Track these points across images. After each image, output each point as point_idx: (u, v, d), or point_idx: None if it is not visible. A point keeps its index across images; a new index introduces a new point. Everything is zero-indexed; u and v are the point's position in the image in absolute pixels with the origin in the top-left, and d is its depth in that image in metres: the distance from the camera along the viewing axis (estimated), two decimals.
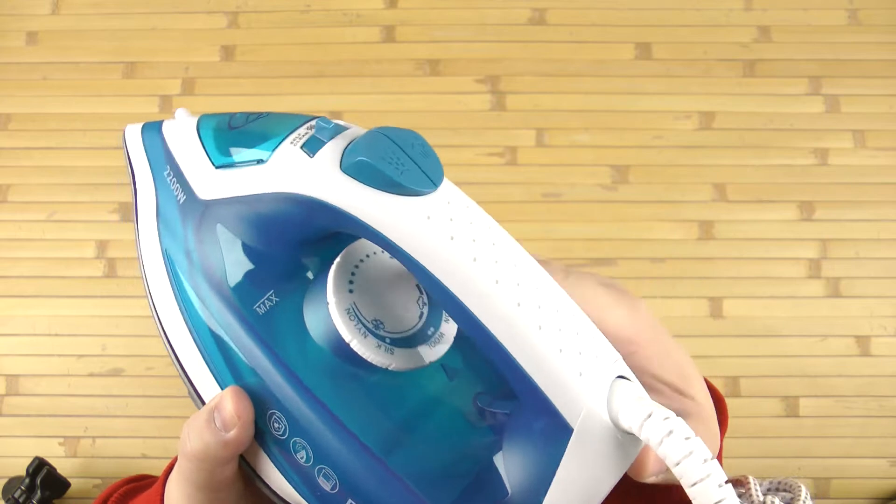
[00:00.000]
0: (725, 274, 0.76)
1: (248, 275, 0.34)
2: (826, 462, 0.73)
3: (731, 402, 0.78)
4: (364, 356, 0.32)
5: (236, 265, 0.34)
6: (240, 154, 0.33)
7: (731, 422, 0.78)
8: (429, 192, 0.30)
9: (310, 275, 0.35)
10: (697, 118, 0.80)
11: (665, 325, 0.76)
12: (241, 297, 0.33)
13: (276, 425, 0.32)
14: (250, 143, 0.33)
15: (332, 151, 0.31)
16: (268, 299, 0.34)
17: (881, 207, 0.78)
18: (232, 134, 0.34)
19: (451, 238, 0.30)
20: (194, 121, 0.36)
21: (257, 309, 0.33)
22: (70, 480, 0.71)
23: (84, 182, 0.79)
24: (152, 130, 0.37)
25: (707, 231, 0.76)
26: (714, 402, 0.36)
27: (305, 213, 0.32)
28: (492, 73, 0.81)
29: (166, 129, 0.36)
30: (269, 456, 0.33)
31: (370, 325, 0.33)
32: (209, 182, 0.34)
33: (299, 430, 0.32)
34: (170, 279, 0.35)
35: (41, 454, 0.70)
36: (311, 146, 0.31)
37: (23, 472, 0.69)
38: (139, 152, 0.37)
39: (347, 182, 0.30)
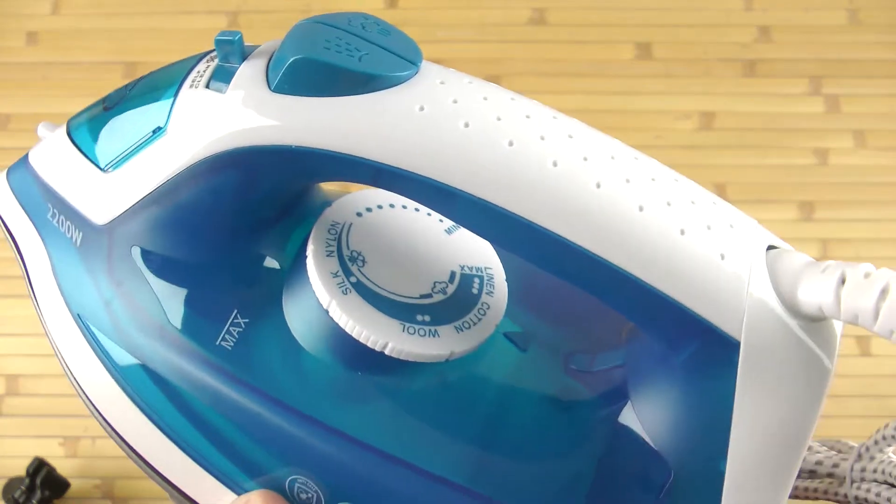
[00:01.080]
0: None
1: (194, 303, 0.24)
2: None
3: None
4: (311, 278, 0.23)
5: (174, 296, 0.24)
6: (127, 135, 0.23)
7: None
8: (409, 75, 0.21)
9: (277, 266, 0.25)
10: (697, 118, 0.80)
11: None
12: (197, 337, 0.23)
13: (303, 496, 0.23)
14: (136, 114, 0.24)
15: (251, 72, 0.22)
16: (233, 325, 0.24)
17: (881, 207, 0.78)
18: (110, 115, 0.25)
19: (466, 125, 0.20)
20: (63, 129, 0.27)
21: (223, 344, 0.23)
22: (70, 480, 0.71)
23: None
24: (18, 170, 0.27)
25: None
26: None
27: (244, 180, 0.22)
28: (492, 72, 0.81)
29: (33, 158, 0.27)
30: None
31: (346, 251, 0.24)
32: (103, 195, 0.24)
33: (341, 491, 0.22)
34: (98, 354, 0.25)
35: (41, 454, 0.70)
36: (220, 78, 0.22)
37: (23, 473, 0.69)
38: (9, 204, 0.27)
39: (287, 103, 0.21)
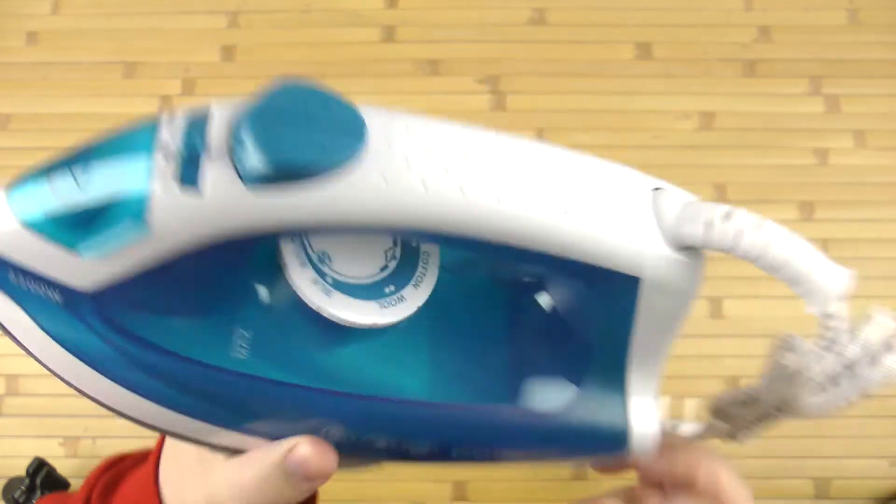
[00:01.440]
0: (725, 274, 0.76)
1: (201, 331, 0.27)
2: (826, 462, 0.73)
3: None
4: (296, 289, 0.26)
5: (180, 331, 0.27)
6: (98, 224, 0.24)
7: None
8: (364, 146, 0.23)
9: (257, 278, 0.28)
10: (697, 118, 0.80)
11: None
12: (211, 356, 0.27)
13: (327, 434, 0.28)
14: (103, 199, 0.23)
15: (221, 170, 0.23)
16: (240, 338, 0.28)
17: (881, 207, 0.78)
18: (66, 194, 0.24)
19: (424, 186, 0.24)
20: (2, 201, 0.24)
21: (238, 355, 0.27)
22: (70, 481, 0.71)
23: None
24: None
25: None
26: None
27: (228, 248, 0.24)
28: (492, 73, 0.81)
29: None
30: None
31: (314, 256, 0.27)
32: (79, 271, 0.25)
33: (350, 425, 0.28)
34: (118, 382, 0.27)
35: (41, 454, 0.70)
36: (189, 178, 0.23)
37: (23, 473, 0.69)
38: None
39: (265, 198, 0.23)
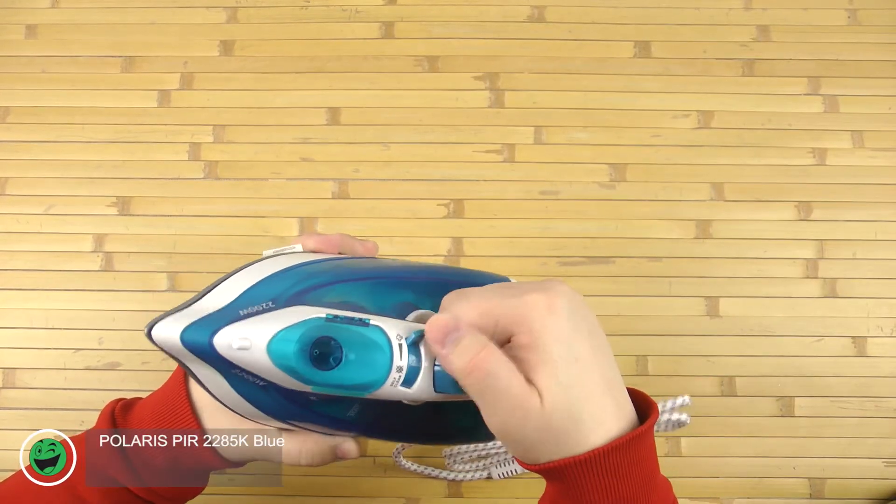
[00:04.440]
0: (722, 273, 0.76)
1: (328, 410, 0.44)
2: (821, 462, 0.73)
3: (726, 402, 0.77)
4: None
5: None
6: (333, 390, 0.39)
7: (726, 421, 0.78)
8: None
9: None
10: (696, 117, 0.80)
11: (661, 323, 0.76)
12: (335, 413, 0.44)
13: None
14: (344, 387, 0.39)
15: (425, 381, 0.40)
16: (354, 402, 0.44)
17: (879, 208, 0.78)
18: (322, 371, 0.38)
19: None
20: (263, 347, 0.38)
21: (349, 415, 0.44)
22: None
23: (82, 176, 0.79)
24: (195, 337, 0.39)
25: (704, 230, 0.76)
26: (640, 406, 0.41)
27: None
28: (490, 70, 0.81)
29: (221, 345, 0.39)
30: None
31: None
32: (297, 387, 0.39)
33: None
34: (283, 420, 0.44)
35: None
36: (407, 382, 0.40)
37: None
38: (188, 357, 0.41)
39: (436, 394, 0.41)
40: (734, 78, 0.81)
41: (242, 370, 0.39)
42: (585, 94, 0.80)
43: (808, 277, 0.76)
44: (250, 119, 0.80)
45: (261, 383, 0.40)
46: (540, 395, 0.36)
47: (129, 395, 0.52)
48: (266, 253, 0.47)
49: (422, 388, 0.39)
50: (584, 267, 0.76)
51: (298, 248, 0.48)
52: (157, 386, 0.51)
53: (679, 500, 0.42)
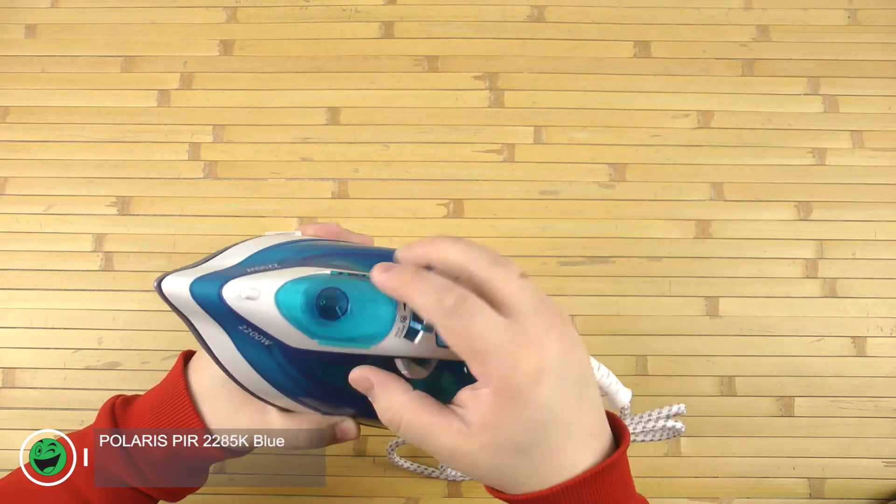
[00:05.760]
0: (722, 273, 0.76)
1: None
2: (821, 462, 0.73)
3: (726, 402, 0.77)
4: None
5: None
6: (346, 332, 0.39)
7: (726, 420, 0.78)
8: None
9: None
10: (696, 117, 0.80)
11: (661, 323, 0.76)
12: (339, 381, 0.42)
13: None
14: (356, 317, 0.39)
15: (428, 338, 0.40)
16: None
17: (879, 208, 0.78)
18: (334, 314, 0.39)
19: None
20: (270, 296, 0.39)
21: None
22: None
23: (82, 175, 0.79)
24: (204, 288, 0.40)
25: (704, 230, 0.76)
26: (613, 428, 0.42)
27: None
28: (490, 69, 0.81)
29: (230, 296, 0.40)
30: None
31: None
32: (303, 342, 0.40)
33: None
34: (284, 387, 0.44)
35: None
36: (410, 335, 0.40)
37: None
38: (192, 307, 0.41)
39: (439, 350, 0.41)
40: (734, 78, 0.81)
41: (248, 325, 0.40)
42: (585, 94, 0.80)
43: (807, 277, 0.76)
44: (250, 119, 0.80)
45: (266, 342, 0.40)
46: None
47: (127, 395, 0.52)
48: (268, 234, 0.49)
49: (424, 344, 0.40)
50: (584, 267, 0.76)
51: (298, 234, 0.49)
52: (154, 385, 0.51)
53: (679, 500, 0.42)
